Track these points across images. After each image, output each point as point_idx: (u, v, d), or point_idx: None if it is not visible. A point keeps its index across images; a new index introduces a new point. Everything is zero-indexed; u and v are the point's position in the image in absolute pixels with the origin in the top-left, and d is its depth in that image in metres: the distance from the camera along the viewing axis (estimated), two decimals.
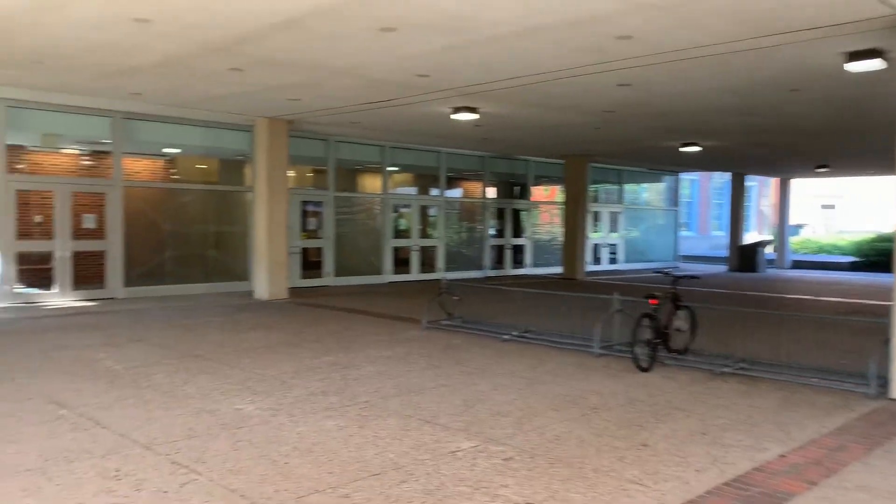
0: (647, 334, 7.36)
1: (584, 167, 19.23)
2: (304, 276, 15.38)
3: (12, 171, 11.64)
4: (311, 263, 15.77)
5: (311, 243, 15.79)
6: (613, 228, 23.27)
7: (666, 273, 8.99)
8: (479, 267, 19.28)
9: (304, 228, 15.76)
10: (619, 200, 23.47)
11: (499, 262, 20.00)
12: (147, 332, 9.15)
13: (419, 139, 16.37)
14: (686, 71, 8.69)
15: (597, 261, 22.31)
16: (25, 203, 12.31)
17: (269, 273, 13.14)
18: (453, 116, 11.68)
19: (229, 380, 6.59)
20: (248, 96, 10.87)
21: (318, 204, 15.96)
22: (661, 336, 7.48)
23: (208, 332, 9.32)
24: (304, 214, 15.76)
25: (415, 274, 17.62)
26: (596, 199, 22.56)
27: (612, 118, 12.47)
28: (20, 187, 11.73)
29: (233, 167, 15.40)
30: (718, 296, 14.64)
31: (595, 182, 21.89)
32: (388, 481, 4.14)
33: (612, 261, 23.04)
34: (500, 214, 20.19)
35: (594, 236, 22.11)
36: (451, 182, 19.41)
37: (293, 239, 14.72)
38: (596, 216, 22.36)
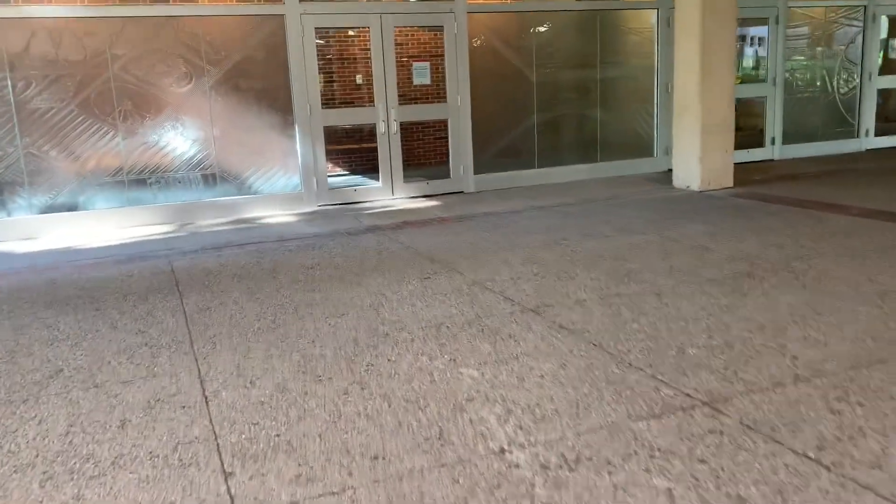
0: None
1: None
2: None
3: None
4: (740, 126, 9.86)
5: (746, 91, 9.82)
6: None
7: None
8: None
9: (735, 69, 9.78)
10: None
11: None
12: (519, 276, 4.47)
13: None
14: None
15: None
16: (331, 56, 8.45)
17: (701, 146, 7.70)
18: None
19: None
20: None
21: (744, 38, 9.77)
22: None
23: (644, 277, 4.32)
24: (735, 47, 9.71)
25: None
26: None
27: None
28: (320, 24, 7.72)
29: None
30: None
31: None
32: None
33: None
34: None
35: None
36: None
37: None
38: None
